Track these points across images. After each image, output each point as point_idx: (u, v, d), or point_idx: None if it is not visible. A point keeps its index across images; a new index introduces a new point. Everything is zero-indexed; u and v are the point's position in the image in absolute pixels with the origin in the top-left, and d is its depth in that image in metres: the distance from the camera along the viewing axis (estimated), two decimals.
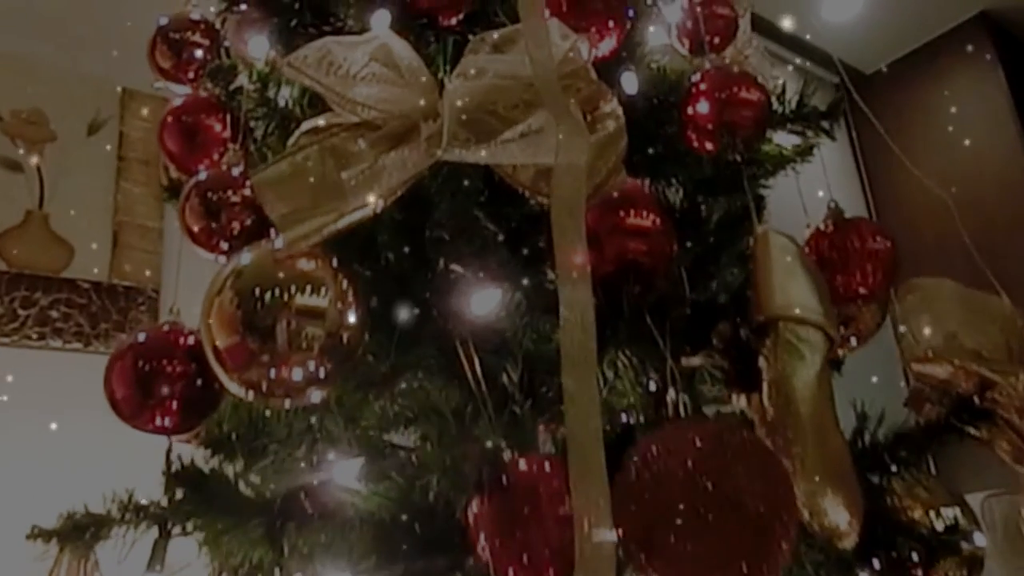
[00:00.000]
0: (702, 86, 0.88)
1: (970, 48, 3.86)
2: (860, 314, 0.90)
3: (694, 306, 0.87)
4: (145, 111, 2.64)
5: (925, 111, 3.97)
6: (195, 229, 0.84)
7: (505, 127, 0.69)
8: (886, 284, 0.86)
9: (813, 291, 0.73)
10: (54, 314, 2.40)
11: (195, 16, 1.02)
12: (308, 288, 0.67)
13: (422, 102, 0.73)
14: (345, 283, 0.70)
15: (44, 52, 2.47)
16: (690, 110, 0.89)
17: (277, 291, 0.66)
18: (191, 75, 1.01)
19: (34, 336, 2.32)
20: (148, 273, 2.61)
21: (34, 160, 2.47)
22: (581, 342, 0.64)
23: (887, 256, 0.86)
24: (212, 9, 1.02)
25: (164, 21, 1.02)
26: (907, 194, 3.92)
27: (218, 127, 0.91)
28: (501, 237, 0.90)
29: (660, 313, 0.71)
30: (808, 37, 3.70)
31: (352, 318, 0.69)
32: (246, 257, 0.69)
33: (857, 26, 3.81)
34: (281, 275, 0.66)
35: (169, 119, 0.93)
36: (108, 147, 2.60)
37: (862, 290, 0.86)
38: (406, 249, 0.87)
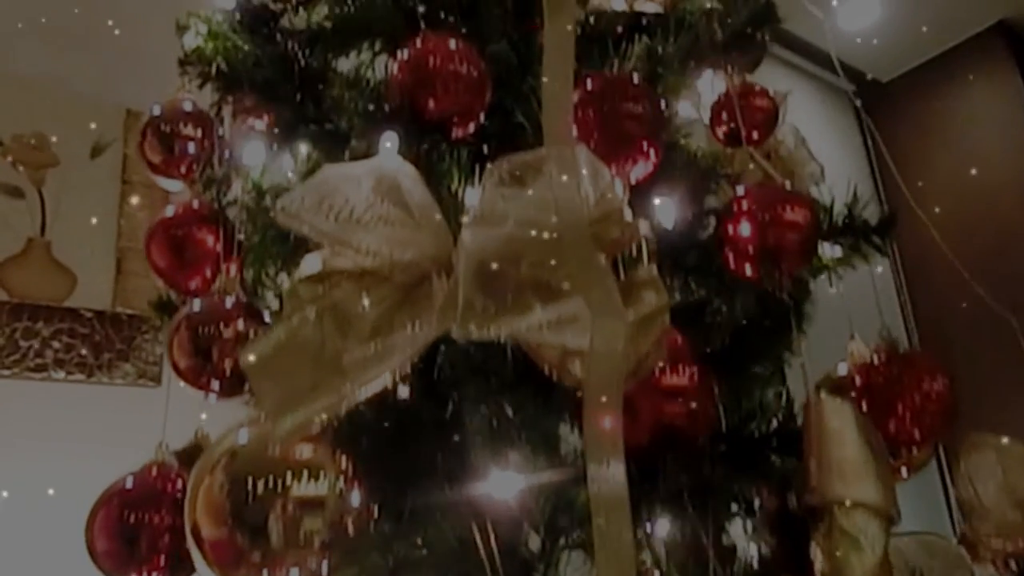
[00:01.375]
0: (744, 204, 0.80)
1: (988, 57, 3.79)
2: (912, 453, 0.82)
3: (732, 439, 0.80)
4: None
5: (942, 120, 3.92)
6: (182, 366, 0.76)
7: (528, 288, 0.61)
8: (942, 429, 0.78)
9: (871, 466, 0.65)
10: (56, 344, 2.35)
11: (187, 107, 0.94)
12: (306, 475, 0.60)
13: (434, 249, 0.65)
14: (344, 460, 0.62)
15: (46, 74, 2.41)
16: (730, 229, 0.81)
17: (272, 481, 0.58)
18: (183, 169, 0.93)
19: (35, 367, 2.27)
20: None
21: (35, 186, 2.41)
22: (615, 538, 0.57)
23: (944, 398, 0.78)
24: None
25: (156, 111, 0.94)
26: (921, 200, 3.85)
27: (210, 240, 0.84)
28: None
29: (701, 492, 0.63)
30: (820, 42, 3.65)
31: (355, 500, 0.62)
32: (243, 436, 0.61)
33: (874, 34, 3.76)
34: (278, 463, 0.59)
35: (158, 231, 0.85)
36: (111, 170, 2.53)
37: (916, 435, 0.78)
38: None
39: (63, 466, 1.99)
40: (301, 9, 1.00)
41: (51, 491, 1.93)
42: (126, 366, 2.37)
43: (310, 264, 0.68)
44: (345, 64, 1.07)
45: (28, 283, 2.31)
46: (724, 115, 0.96)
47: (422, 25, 0.85)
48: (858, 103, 3.60)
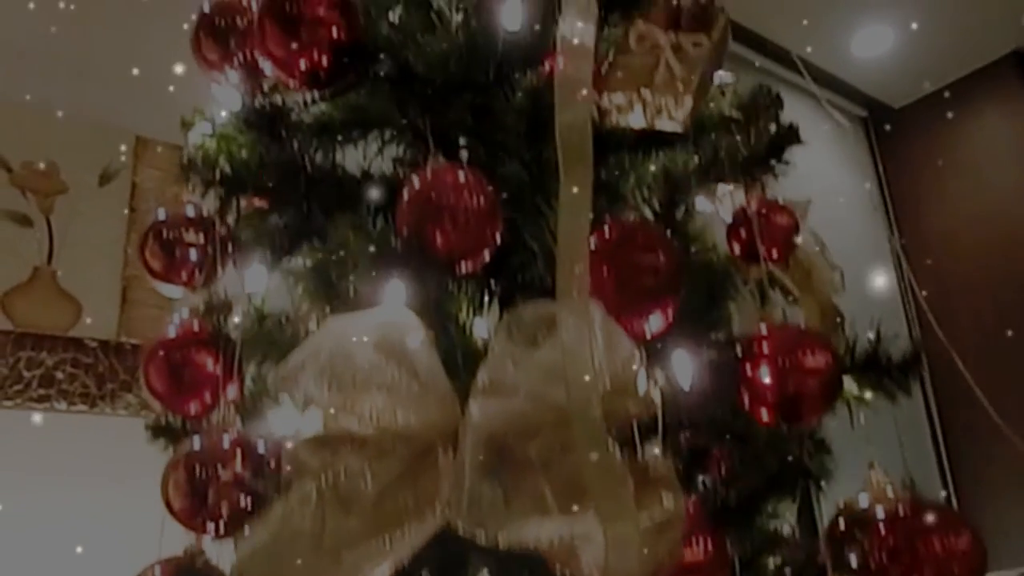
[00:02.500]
0: (763, 346, 0.77)
1: (1001, 86, 3.76)
2: None
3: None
4: (158, 160, 2.57)
5: (954, 147, 3.92)
6: (177, 507, 0.74)
7: (539, 473, 0.58)
8: None
9: None
10: (59, 375, 2.34)
11: (190, 212, 0.92)
12: None
13: (440, 418, 0.62)
14: None
15: (55, 101, 2.40)
16: (748, 369, 0.78)
17: None
18: (184, 276, 0.90)
19: (39, 398, 2.26)
20: (158, 331, 2.52)
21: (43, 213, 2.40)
22: None
23: (969, 558, 0.75)
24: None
25: (162, 216, 0.92)
26: (933, 228, 3.86)
27: (210, 364, 0.81)
28: None
29: None
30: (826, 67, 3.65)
31: None
32: None
33: (886, 61, 3.75)
34: None
35: (156, 354, 0.82)
36: (119, 198, 2.52)
37: None
38: None
39: (65, 497, 1.98)
40: (311, 105, 0.97)
41: (53, 522, 1.93)
42: (129, 396, 2.36)
43: (311, 424, 0.65)
44: (353, 157, 1.05)
45: (33, 312, 2.30)
46: (742, 231, 0.93)
47: (430, 142, 0.82)
48: (844, 121, 3.56)
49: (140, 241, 0.92)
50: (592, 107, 0.76)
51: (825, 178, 3.46)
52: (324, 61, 0.85)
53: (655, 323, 0.71)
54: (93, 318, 2.39)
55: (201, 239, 0.90)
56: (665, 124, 0.85)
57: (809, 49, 3.47)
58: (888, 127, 4.08)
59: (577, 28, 0.80)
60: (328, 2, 0.84)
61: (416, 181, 0.76)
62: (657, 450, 0.60)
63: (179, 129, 0.98)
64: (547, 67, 0.85)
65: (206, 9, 0.96)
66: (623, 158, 0.91)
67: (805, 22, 3.45)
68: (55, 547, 1.91)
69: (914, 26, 3.53)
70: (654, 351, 0.72)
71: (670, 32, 0.84)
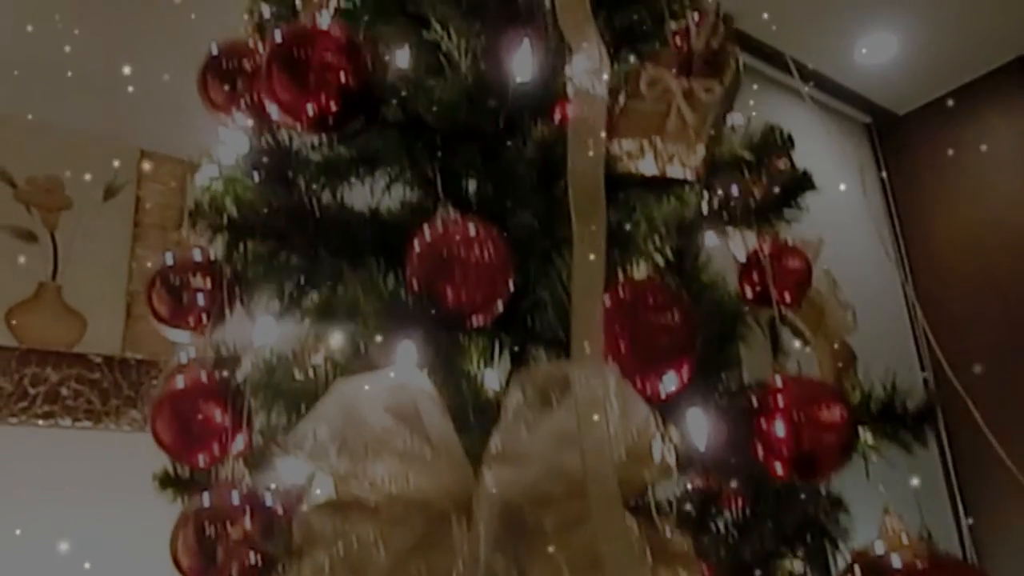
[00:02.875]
0: (779, 400, 0.76)
1: (1005, 93, 3.75)
2: None
3: None
4: (163, 174, 2.57)
5: (959, 153, 3.93)
6: (185, 565, 0.73)
7: (554, 542, 0.57)
8: None
9: None
10: (64, 391, 2.33)
11: (197, 256, 0.91)
12: None
13: (453, 483, 0.62)
14: None
15: (59, 116, 2.40)
16: (763, 423, 0.77)
17: None
18: (191, 321, 0.90)
19: (43, 414, 2.26)
20: (162, 345, 2.53)
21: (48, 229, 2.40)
22: None
23: None
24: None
25: (170, 261, 0.91)
26: (937, 234, 3.86)
27: (218, 415, 0.80)
28: None
29: None
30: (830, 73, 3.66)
31: None
32: None
33: (890, 68, 3.77)
34: None
35: (164, 406, 0.82)
36: (124, 212, 2.52)
37: None
38: None
39: (72, 513, 1.98)
40: (319, 146, 0.96)
41: (58, 538, 1.93)
42: (133, 412, 2.36)
43: (323, 490, 0.64)
44: (361, 195, 1.04)
45: (38, 328, 2.30)
46: (755, 275, 0.92)
47: (439, 188, 0.81)
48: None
49: (147, 286, 0.92)
50: (604, 155, 0.75)
51: (828, 184, 3.44)
52: (332, 106, 0.84)
53: (670, 383, 0.70)
54: (97, 333, 2.39)
55: (208, 284, 0.89)
56: (677, 172, 0.84)
57: (813, 59, 3.47)
58: (892, 134, 4.09)
59: (588, 75, 0.80)
60: (336, 47, 0.83)
61: (426, 234, 0.75)
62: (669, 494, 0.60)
63: (183, 143, 0.97)
64: (558, 115, 0.84)
65: (214, 51, 0.95)
66: (631, 197, 0.90)
67: (808, 29, 3.46)
68: (63, 563, 1.91)
69: (918, 33, 3.53)
70: (668, 404, 0.71)
71: (681, 77, 0.83)
